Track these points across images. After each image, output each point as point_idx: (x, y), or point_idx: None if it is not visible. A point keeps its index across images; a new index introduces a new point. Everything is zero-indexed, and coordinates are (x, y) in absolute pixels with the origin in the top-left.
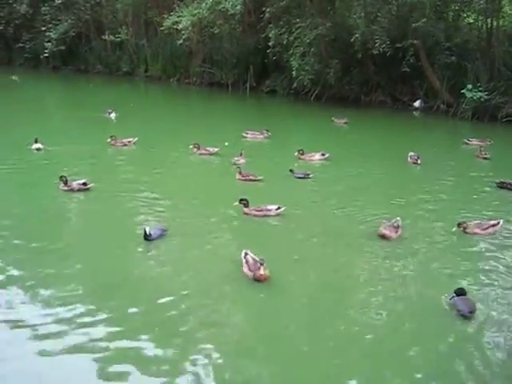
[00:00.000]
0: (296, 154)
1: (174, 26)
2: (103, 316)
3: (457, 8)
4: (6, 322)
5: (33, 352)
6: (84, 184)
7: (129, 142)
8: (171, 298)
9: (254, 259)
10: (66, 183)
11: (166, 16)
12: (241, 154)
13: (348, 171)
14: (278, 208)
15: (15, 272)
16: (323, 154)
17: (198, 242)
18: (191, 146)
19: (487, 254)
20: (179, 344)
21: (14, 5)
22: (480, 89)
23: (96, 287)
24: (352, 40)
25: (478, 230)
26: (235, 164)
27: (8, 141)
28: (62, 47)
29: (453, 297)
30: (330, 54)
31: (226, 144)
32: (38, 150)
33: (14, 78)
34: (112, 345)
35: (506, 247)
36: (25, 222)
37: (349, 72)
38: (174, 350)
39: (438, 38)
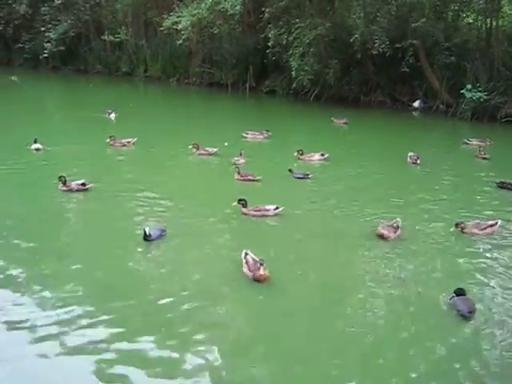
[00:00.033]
0: (295, 154)
1: (174, 27)
2: (103, 317)
3: (456, 8)
4: (4, 322)
5: (32, 353)
6: (83, 184)
7: (128, 142)
8: (171, 298)
9: (253, 259)
10: (64, 183)
11: (165, 16)
12: (240, 154)
13: (347, 171)
14: (277, 208)
15: (14, 272)
16: (322, 155)
17: (197, 243)
18: (190, 147)
19: (486, 254)
20: (179, 345)
21: (14, 5)
22: (479, 89)
23: (95, 288)
24: (351, 40)
25: (475, 230)
26: (235, 164)
27: (7, 141)
28: (62, 47)
29: (452, 297)
30: (329, 54)
31: (226, 144)
32: (37, 150)
33: (13, 78)
34: (111, 346)
35: (505, 247)
36: (24, 222)
37: (348, 72)
38: (174, 351)
39: (438, 38)
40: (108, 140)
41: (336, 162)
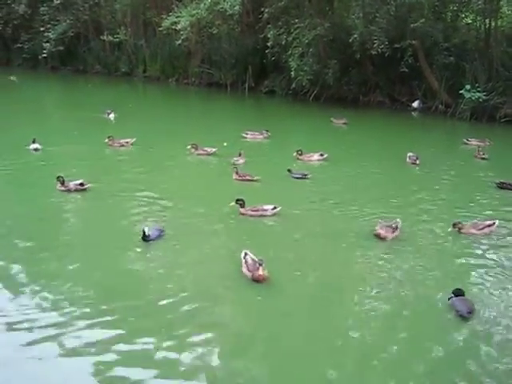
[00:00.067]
0: (294, 154)
1: (173, 27)
2: (102, 318)
3: (455, 8)
4: (3, 324)
5: (31, 355)
6: (81, 184)
7: (126, 142)
8: (170, 299)
9: (253, 259)
10: (62, 183)
11: (164, 16)
12: (240, 154)
13: (346, 171)
14: (274, 208)
15: (12, 272)
16: (322, 155)
17: (196, 243)
18: (189, 147)
19: (484, 254)
20: (178, 346)
21: (13, 5)
22: (478, 89)
23: (94, 289)
24: (350, 40)
25: (473, 230)
26: (234, 164)
27: (6, 141)
28: (61, 47)
29: (451, 297)
30: (328, 54)
31: (225, 144)
32: (35, 150)
33: (12, 78)
34: (111, 347)
35: (504, 247)
36: (21, 222)
37: (347, 72)
38: (174, 351)
39: (437, 38)
40: (106, 140)
41: (335, 162)
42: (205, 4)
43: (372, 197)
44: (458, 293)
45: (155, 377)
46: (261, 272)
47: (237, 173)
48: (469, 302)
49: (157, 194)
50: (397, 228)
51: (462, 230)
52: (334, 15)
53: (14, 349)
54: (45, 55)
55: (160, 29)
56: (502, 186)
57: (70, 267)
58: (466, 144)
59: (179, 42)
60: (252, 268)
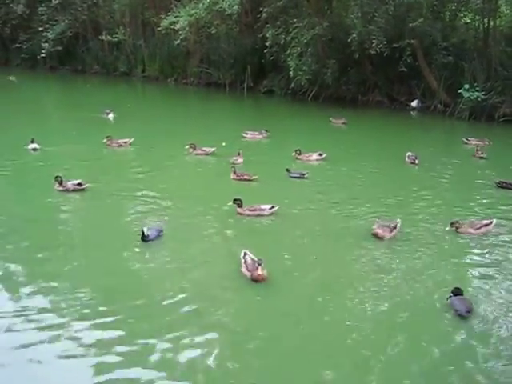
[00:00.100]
0: (293, 154)
1: (172, 27)
2: (100, 320)
3: (454, 8)
4: (2, 325)
5: (30, 357)
6: (79, 184)
7: (124, 142)
8: (170, 300)
9: (252, 259)
10: (61, 183)
11: (163, 16)
12: (239, 154)
13: (345, 171)
14: (272, 207)
15: (10, 273)
16: (320, 154)
17: (194, 243)
18: (187, 147)
19: (484, 253)
20: (178, 347)
21: (11, 5)
22: (477, 89)
23: (92, 290)
24: (349, 40)
25: (470, 230)
26: (233, 163)
27: (5, 141)
28: (59, 47)
29: (450, 296)
30: (327, 54)
31: (224, 144)
32: (34, 150)
33: (11, 78)
34: (110, 349)
35: (502, 246)
36: (19, 222)
37: (346, 72)
38: (173, 352)
39: (435, 37)
40: (105, 140)
41: (334, 161)
42: (203, 4)
43: (371, 196)
44: (457, 292)
45: (155, 377)
46: (260, 272)
47: (235, 172)
48: (468, 302)
49: (155, 194)
50: (395, 228)
51: (459, 230)
52: (333, 15)
53: (13, 351)
54: (43, 55)
55: (159, 29)
56: (501, 186)
57: (68, 268)
58: (466, 143)
59: (178, 41)
60: (251, 268)
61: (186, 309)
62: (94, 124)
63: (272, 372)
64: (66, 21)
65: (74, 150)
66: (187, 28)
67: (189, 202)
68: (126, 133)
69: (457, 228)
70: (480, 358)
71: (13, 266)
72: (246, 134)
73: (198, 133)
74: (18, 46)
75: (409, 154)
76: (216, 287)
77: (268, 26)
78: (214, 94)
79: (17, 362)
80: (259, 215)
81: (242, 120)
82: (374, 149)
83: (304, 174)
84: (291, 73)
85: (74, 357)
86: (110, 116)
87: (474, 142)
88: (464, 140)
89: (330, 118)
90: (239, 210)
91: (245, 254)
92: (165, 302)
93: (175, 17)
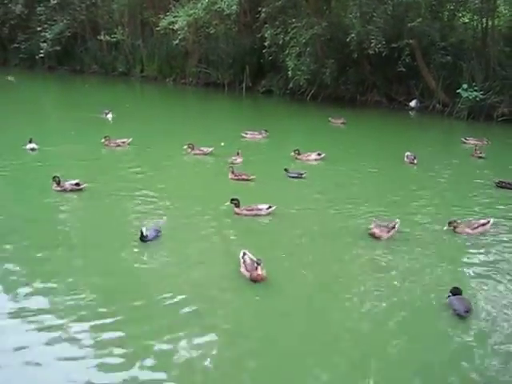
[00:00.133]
0: (292, 154)
1: (170, 27)
2: (98, 321)
3: (452, 8)
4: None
5: (28, 359)
6: (77, 184)
7: (123, 142)
8: (169, 300)
9: (251, 259)
10: (58, 184)
11: (161, 16)
12: (238, 154)
13: (344, 171)
14: (269, 207)
15: (8, 274)
16: (319, 154)
17: (193, 243)
18: (185, 147)
19: (482, 252)
20: (177, 347)
21: (10, 5)
22: (475, 88)
23: (90, 292)
24: (348, 40)
25: (468, 229)
26: (233, 163)
27: (3, 141)
28: (58, 47)
29: (449, 296)
30: (325, 53)
31: (222, 144)
32: (32, 150)
33: (9, 78)
34: (108, 350)
35: (501, 246)
36: (17, 222)
37: (345, 72)
38: (172, 353)
39: (434, 37)
40: (103, 140)
41: (333, 161)
42: (202, 4)
43: (369, 196)
44: (456, 292)
45: (153, 378)
46: (260, 272)
47: (232, 172)
48: (466, 301)
49: (153, 194)
50: (393, 228)
51: (456, 230)
52: (332, 14)
53: (12, 352)
54: (42, 55)
55: (157, 29)
56: (501, 186)
57: (67, 268)
58: (464, 143)
59: (176, 41)
60: (250, 268)
61: (185, 309)
62: (93, 124)
63: (270, 372)
64: (65, 21)
65: (72, 150)
66: (186, 28)
67: (187, 201)
68: (125, 133)
69: (454, 228)
70: (478, 357)
71: (10, 266)
72: (246, 133)
73: (197, 133)
74: (17, 46)
75: (407, 153)
76: (215, 287)
77: (267, 25)
78: (212, 93)
79: (15, 364)
80: (256, 215)
81: (240, 120)
82: (373, 149)
83: (302, 174)
84: (290, 73)
85: (72, 358)
86: (109, 116)
87: (472, 141)
88: (462, 140)
89: (329, 118)
90: (236, 209)
91: (244, 254)
92: (163, 303)
93: (174, 17)
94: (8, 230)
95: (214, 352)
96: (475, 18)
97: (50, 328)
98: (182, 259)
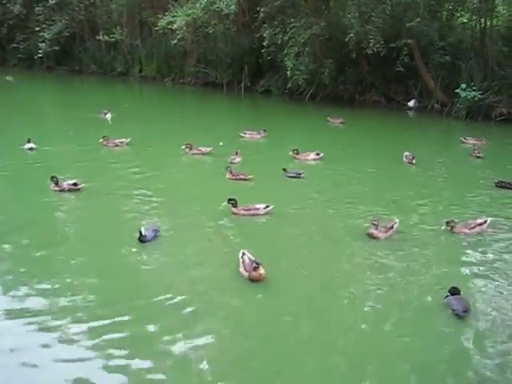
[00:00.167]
0: (291, 153)
1: (169, 26)
2: (96, 323)
3: (450, 7)
4: None
5: (25, 360)
6: (75, 184)
7: (121, 142)
8: (168, 301)
9: (250, 259)
10: (56, 183)
11: (160, 16)
12: (236, 153)
13: (342, 171)
14: (267, 207)
15: (5, 274)
16: (318, 154)
17: (191, 243)
18: (183, 147)
19: (481, 252)
20: (177, 347)
21: (8, 5)
22: (474, 88)
23: (88, 293)
24: (346, 40)
25: (465, 230)
26: (231, 163)
27: (2, 141)
28: (56, 47)
29: (447, 296)
30: (324, 53)
31: (221, 144)
32: (30, 149)
33: (8, 78)
34: (107, 352)
35: (497, 245)
36: (15, 222)
37: (343, 72)
38: (172, 353)
39: (432, 37)
40: (101, 140)
41: (331, 161)
42: (201, 4)
43: (368, 196)
44: (454, 291)
45: (153, 379)
46: (262, 271)
47: (230, 172)
48: (464, 301)
49: (151, 194)
50: (391, 228)
51: (453, 229)
52: (330, 14)
53: (8, 353)
54: (40, 55)
55: (156, 28)
56: (500, 185)
57: (65, 268)
58: (463, 143)
59: (175, 41)
60: (249, 268)
61: (184, 310)
62: (91, 124)
63: (269, 373)
64: (63, 21)
65: (70, 150)
66: (184, 28)
67: (185, 201)
68: (123, 133)
69: (452, 227)
70: (477, 357)
71: (8, 266)
72: (244, 133)
73: (195, 133)
74: (15, 46)
75: (406, 153)
76: (214, 287)
77: (265, 25)
78: (211, 93)
79: (13, 365)
80: (254, 215)
81: (239, 120)
82: (372, 148)
83: (300, 174)
84: (288, 72)
85: (70, 359)
86: (108, 116)
87: (471, 141)
88: (461, 139)
89: (328, 118)
90: (234, 209)
91: (243, 254)
92: (162, 304)
93: (172, 17)
94: (6, 229)
95: (214, 352)
96: (473, 17)
97: (48, 328)
98: (180, 259)
